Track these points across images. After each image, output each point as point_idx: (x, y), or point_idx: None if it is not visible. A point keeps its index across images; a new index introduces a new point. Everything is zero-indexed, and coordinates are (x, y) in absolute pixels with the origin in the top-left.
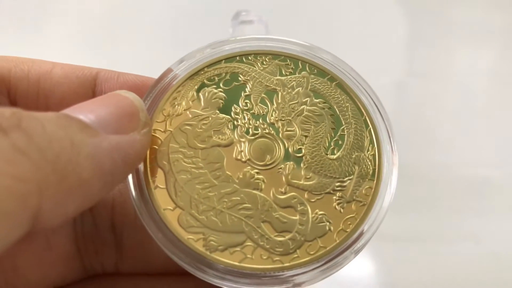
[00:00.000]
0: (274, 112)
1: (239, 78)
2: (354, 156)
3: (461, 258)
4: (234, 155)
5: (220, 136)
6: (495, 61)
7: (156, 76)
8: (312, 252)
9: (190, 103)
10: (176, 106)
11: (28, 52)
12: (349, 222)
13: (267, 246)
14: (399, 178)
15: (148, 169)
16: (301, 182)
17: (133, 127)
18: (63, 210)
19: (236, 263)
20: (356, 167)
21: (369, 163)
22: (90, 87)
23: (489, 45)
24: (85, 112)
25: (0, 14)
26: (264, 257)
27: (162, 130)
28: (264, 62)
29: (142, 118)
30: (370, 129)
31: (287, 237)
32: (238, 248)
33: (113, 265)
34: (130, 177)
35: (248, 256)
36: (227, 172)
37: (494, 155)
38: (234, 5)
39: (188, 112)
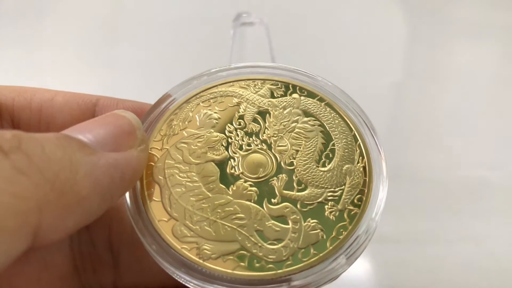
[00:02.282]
0: (266, 129)
1: (233, 101)
2: (345, 168)
3: (461, 259)
4: (228, 169)
5: (215, 152)
6: (495, 62)
7: (156, 86)
8: (305, 259)
9: (186, 123)
10: (173, 127)
11: (27, 56)
12: (341, 230)
13: (260, 254)
14: (399, 179)
15: (145, 183)
16: (293, 192)
17: (130, 145)
18: (62, 226)
19: (229, 271)
20: (348, 178)
21: (360, 174)
22: (90, 113)
23: (489, 45)
24: (84, 132)
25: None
26: (257, 265)
27: (159, 148)
28: (257, 86)
29: (139, 136)
30: (359, 143)
31: (280, 244)
32: (231, 256)
33: (111, 283)
34: None
35: (241, 263)
36: (221, 185)
37: (493, 156)
38: (235, 7)
39: (184, 132)
